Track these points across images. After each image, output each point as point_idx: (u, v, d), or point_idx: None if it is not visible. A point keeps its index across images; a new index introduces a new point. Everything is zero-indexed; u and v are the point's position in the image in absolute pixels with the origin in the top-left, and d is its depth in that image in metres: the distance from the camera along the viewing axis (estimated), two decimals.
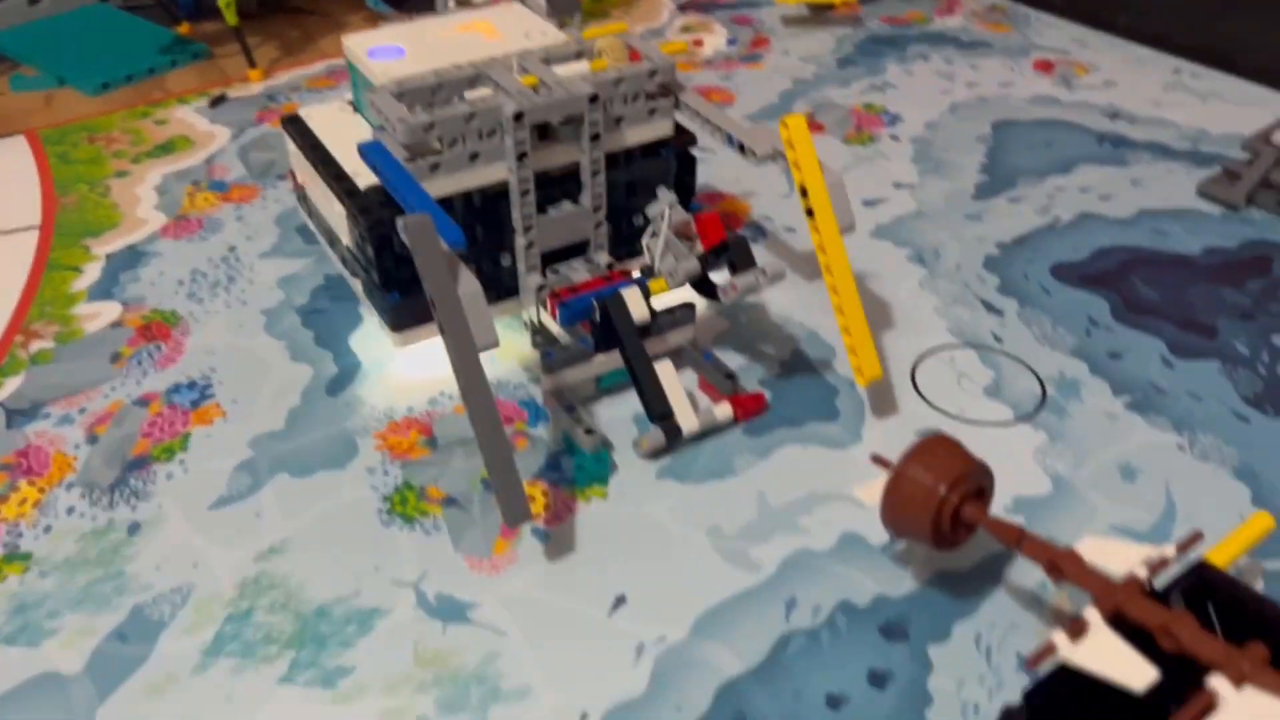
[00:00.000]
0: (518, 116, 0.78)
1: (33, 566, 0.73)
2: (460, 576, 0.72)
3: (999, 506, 0.76)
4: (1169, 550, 0.56)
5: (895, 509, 0.60)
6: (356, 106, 0.99)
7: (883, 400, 0.86)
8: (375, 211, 0.84)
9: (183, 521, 0.77)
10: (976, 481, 0.60)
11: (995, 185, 1.15)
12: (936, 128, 1.27)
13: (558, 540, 0.75)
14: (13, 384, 0.89)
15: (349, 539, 0.75)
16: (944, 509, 0.59)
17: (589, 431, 0.82)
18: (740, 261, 0.80)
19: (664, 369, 0.81)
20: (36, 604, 0.71)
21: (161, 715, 0.64)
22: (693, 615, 0.70)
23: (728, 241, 0.80)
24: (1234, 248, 1.05)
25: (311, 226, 1.04)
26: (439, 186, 0.81)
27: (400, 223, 0.67)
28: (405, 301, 0.87)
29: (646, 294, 0.81)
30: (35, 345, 0.93)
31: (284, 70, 1.41)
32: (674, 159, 0.93)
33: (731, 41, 1.50)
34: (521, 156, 0.80)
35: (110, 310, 0.97)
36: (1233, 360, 0.90)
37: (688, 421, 0.80)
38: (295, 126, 0.98)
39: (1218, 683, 0.48)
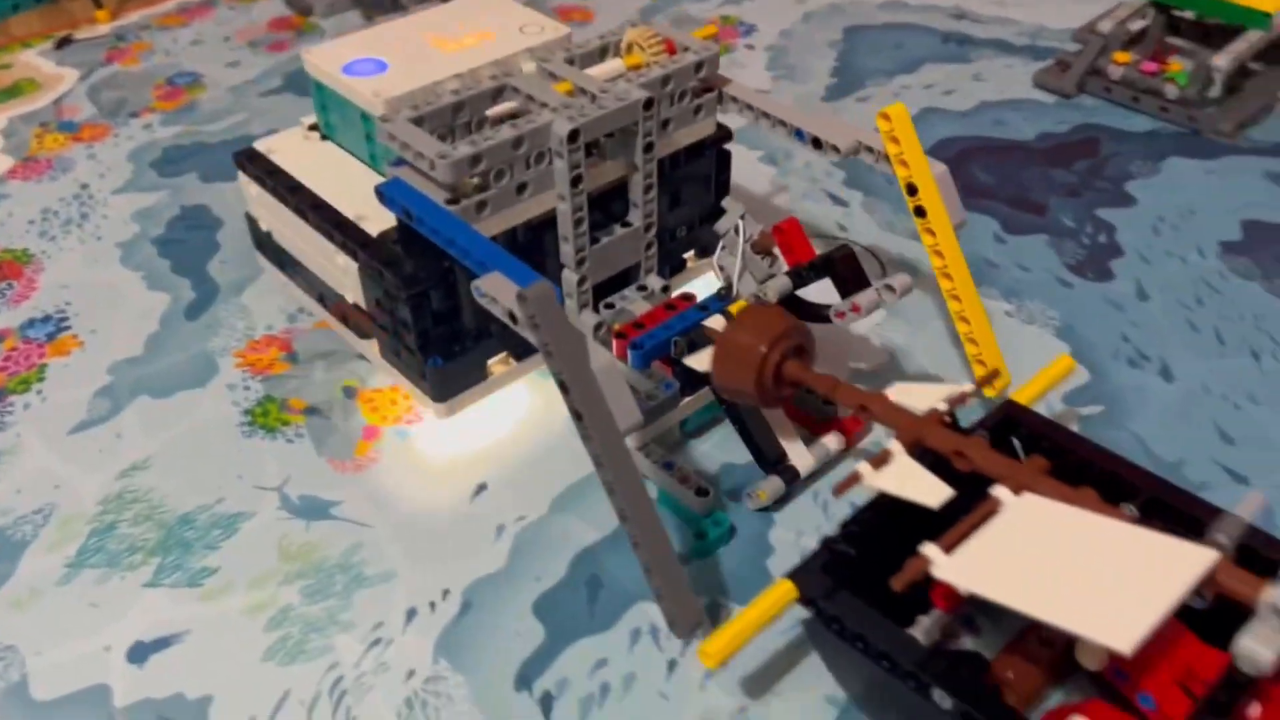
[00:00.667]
0: (572, 136, 0.66)
1: None
2: (324, 478, 0.74)
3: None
4: (968, 387, 0.60)
5: (723, 371, 0.64)
6: (326, 132, 0.85)
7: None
8: (404, 264, 0.71)
9: (42, 447, 0.77)
10: (796, 340, 0.63)
11: (845, 87, 1.19)
12: (790, 35, 1.30)
13: (421, 436, 0.77)
14: None
15: (211, 452, 0.76)
16: (766, 366, 0.62)
17: (701, 492, 0.69)
18: (850, 277, 0.71)
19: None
20: None
21: (27, 626, 0.65)
22: (550, 495, 0.73)
23: (829, 256, 0.71)
24: (1065, 131, 1.10)
25: (282, 279, 0.89)
26: (488, 228, 0.69)
27: (503, 289, 0.58)
28: (448, 366, 0.76)
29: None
30: None
31: (133, 10, 1.38)
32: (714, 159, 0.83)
33: None
34: (576, 181, 0.67)
35: None
36: (1059, 233, 0.96)
37: (803, 461, 0.71)
38: (257, 164, 0.83)
39: (1000, 491, 0.53)
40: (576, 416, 0.57)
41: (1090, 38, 1.15)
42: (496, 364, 0.80)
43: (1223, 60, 1.07)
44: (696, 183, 0.82)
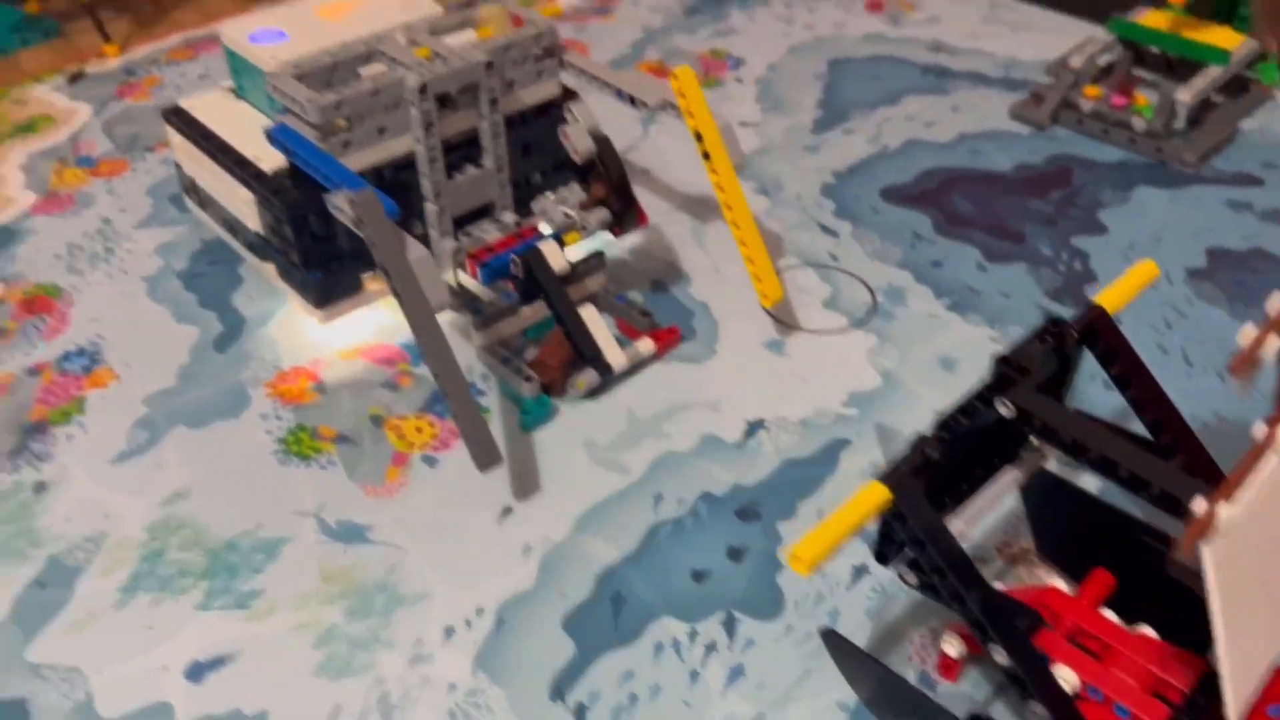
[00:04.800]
0: (422, 89, 0.82)
1: None
2: (357, 503, 0.79)
3: (836, 402, 0.86)
4: None
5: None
6: (239, 93, 1.01)
7: (785, 314, 0.95)
8: (289, 193, 0.88)
9: (86, 477, 0.81)
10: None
11: (831, 119, 1.25)
12: (777, 69, 1.36)
13: (447, 464, 0.82)
14: None
15: (249, 480, 0.81)
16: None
17: (528, 379, 0.86)
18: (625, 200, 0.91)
19: (588, 314, 0.87)
20: None
21: (88, 648, 0.69)
22: (573, 516, 0.78)
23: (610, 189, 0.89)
24: (1040, 162, 1.17)
25: (203, 217, 1.06)
26: (352, 163, 0.84)
27: (342, 199, 0.71)
28: (326, 279, 0.92)
29: (562, 245, 0.87)
30: None
31: (141, 45, 1.42)
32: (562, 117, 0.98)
33: None
34: (428, 126, 0.84)
35: None
36: (1037, 261, 1.02)
37: (616, 359, 0.87)
38: (180, 118, 1.00)
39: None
40: (396, 296, 0.73)
41: (1062, 72, 1.22)
42: (370, 280, 0.95)
43: (1186, 94, 1.13)
44: (546, 136, 0.96)
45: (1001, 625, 0.52)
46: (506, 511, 0.78)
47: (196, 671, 0.68)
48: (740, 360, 0.91)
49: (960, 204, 1.10)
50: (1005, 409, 0.56)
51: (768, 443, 0.83)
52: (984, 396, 0.57)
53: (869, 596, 0.72)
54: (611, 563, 0.74)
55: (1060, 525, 0.68)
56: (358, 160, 0.85)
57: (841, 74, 1.35)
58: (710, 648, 0.69)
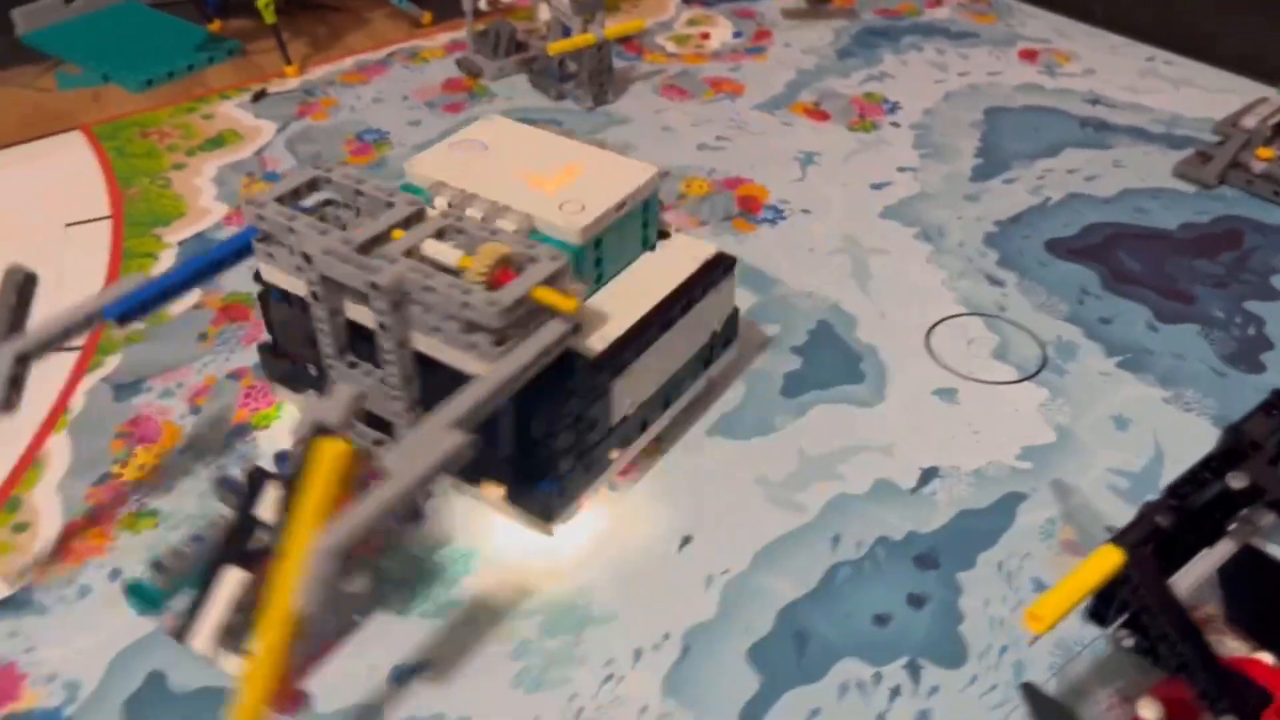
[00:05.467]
0: (306, 257, 0.74)
1: (161, 522, 0.82)
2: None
3: (1010, 455, 0.87)
4: None
5: None
6: None
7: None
8: None
9: None
10: None
11: (990, 168, 1.26)
12: (934, 114, 1.37)
13: (626, 492, 0.85)
14: (113, 361, 0.97)
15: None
16: None
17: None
18: None
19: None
20: None
21: None
22: (751, 550, 0.80)
23: None
24: (1207, 223, 1.16)
25: None
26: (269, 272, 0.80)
27: None
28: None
29: None
30: (127, 326, 1.01)
31: (316, 66, 1.49)
32: None
33: (738, 34, 1.60)
34: (314, 295, 0.75)
35: (190, 294, 1.05)
36: (1209, 323, 1.01)
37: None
38: None
39: None
40: None
41: (1233, 132, 1.21)
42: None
43: None
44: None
45: (1235, 699, 0.52)
46: (686, 540, 0.81)
47: (401, 675, 0.71)
48: (911, 405, 0.92)
49: (1127, 261, 1.10)
50: (1238, 481, 0.57)
51: (942, 491, 0.84)
52: (1213, 467, 0.58)
53: (1051, 652, 0.72)
54: (792, 599, 0.76)
55: (1257, 596, 0.68)
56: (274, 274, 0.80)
57: (999, 123, 1.35)
58: (895, 691, 0.70)
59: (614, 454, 0.83)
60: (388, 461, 0.61)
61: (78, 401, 0.93)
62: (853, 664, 0.72)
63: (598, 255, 0.81)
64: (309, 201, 0.81)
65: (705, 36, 1.59)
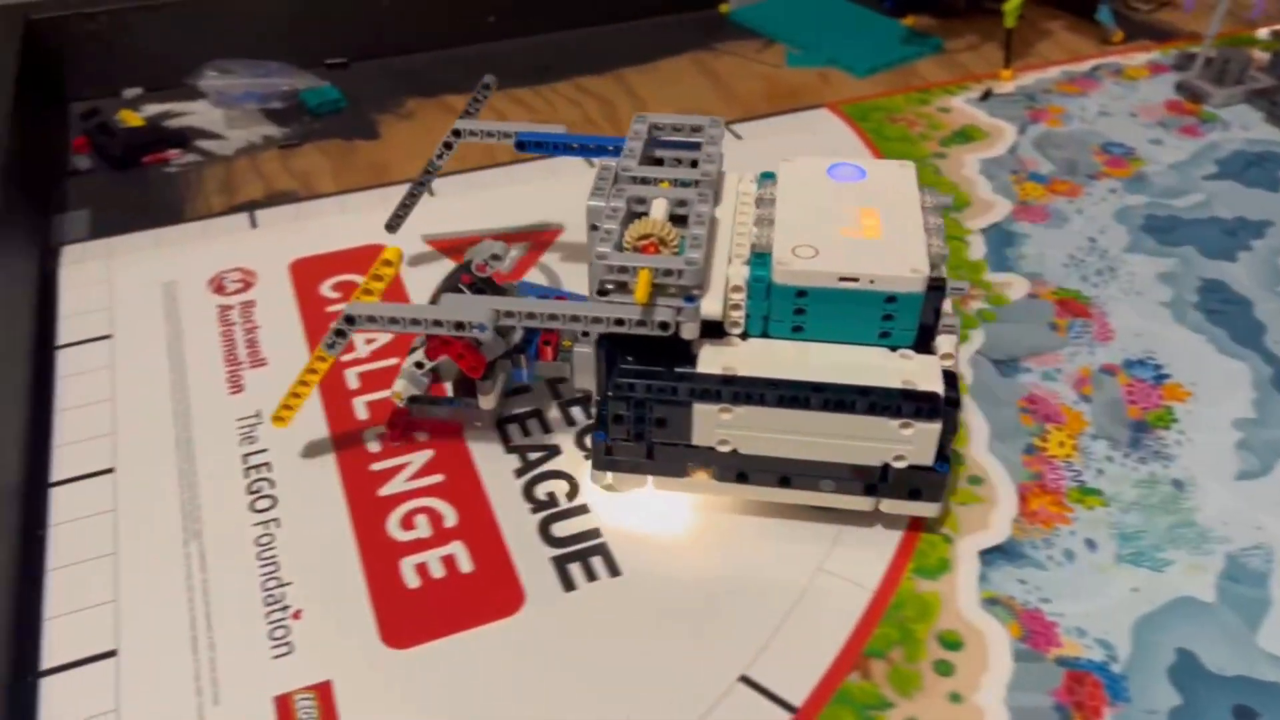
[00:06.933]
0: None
1: (1109, 502, 0.86)
2: None
3: None
4: None
5: None
6: None
7: None
8: None
9: (1216, 486, 0.87)
10: None
11: None
12: None
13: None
14: (978, 337, 1.03)
15: None
16: None
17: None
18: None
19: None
20: (1136, 536, 0.83)
21: None
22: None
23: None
24: None
25: None
26: None
27: None
28: None
29: None
30: (972, 305, 1.07)
31: (1021, 72, 1.51)
32: None
33: None
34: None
35: (1017, 282, 1.10)
36: None
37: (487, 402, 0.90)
38: None
39: None
40: None
41: None
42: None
43: None
44: None
45: None
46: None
47: None
48: None
49: None
50: None
51: None
52: None
53: None
54: None
55: None
56: None
57: None
58: None
59: (697, 473, 0.81)
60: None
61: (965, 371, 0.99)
62: None
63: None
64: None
65: None
